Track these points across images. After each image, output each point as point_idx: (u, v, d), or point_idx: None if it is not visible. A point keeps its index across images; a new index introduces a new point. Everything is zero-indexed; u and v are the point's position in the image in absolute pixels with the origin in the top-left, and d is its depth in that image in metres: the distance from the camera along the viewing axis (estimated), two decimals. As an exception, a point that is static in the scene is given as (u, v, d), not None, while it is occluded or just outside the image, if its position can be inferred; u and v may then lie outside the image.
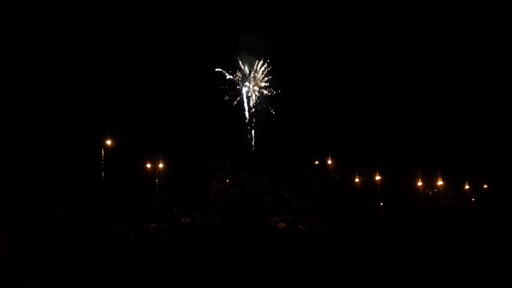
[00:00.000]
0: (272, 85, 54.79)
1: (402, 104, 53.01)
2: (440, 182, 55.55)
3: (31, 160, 37.66)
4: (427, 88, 53.72)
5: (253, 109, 54.42)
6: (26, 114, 39.87)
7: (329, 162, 49.36)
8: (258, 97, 54.73)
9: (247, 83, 54.87)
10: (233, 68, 55.28)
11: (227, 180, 43.60)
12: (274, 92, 54.21)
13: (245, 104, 54.60)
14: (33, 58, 40.95)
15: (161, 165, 46.77)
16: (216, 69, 53.82)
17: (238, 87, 54.59)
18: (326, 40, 52.00)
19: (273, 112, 53.69)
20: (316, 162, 49.20)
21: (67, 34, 43.43)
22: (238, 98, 54.76)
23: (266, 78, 55.37)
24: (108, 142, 44.40)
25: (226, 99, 54.27)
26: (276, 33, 51.55)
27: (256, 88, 54.52)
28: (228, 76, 54.83)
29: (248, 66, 55.69)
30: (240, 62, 55.03)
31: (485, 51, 52.56)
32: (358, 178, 52.86)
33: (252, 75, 55.21)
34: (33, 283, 26.27)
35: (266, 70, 55.79)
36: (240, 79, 54.91)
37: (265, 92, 54.33)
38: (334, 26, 51.87)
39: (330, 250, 32.62)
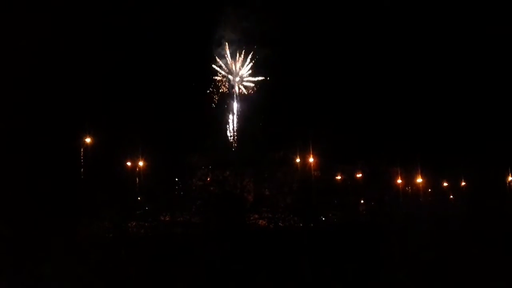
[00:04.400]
0: (254, 81, 54.77)
1: (382, 102, 53.42)
2: (419, 180, 56.14)
3: (9, 157, 37.20)
4: (407, 87, 54.15)
5: (235, 105, 54.27)
6: (5, 111, 39.37)
7: (310, 159, 49.54)
8: (240, 93, 54.60)
9: (229, 78, 54.63)
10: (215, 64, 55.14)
11: (208, 178, 43.59)
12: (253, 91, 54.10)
13: (227, 100, 54.50)
14: (13, 55, 40.44)
15: (141, 163, 46.49)
16: (213, 65, 53.55)
17: (220, 83, 54.40)
18: (308, 37, 52.08)
19: (254, 95, 53.26)
20: (297, 160, 49.38)
21: (47, 30, 42.95)
22: (220, 93, 54.63)
23: (249, 72, 55.07)
24: (88, 140, 43.99)
25: (207, 95, 54.03)
26: (260, 29, 51.64)
27: (238, 82, 54.25)
28: (215, 76, 54.55)
29: (230, 61, 55.44)
30: (221, 59, 54.90)
31: (469, 51, 53.12)
32: (339, 176, 53.19)
33: (234, 69, 54.92)
34: (12, 283, 25.99)
35: (249, 64, 55.49)
36: (223, 75, 54.71)
37: (245, 87, 54.20)
38: (317, 23, 52.01)
39: (309, 247, 32.77)
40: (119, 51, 46.98)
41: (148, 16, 48.46)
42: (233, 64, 55.13)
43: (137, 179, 45.96)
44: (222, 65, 55.33)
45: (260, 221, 39.89)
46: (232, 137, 52.43)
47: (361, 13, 52.68)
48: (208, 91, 54.10)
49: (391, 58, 53.48)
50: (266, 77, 55.28)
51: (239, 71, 55.30)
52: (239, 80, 54.98)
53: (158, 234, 36.84)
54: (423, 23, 53.26)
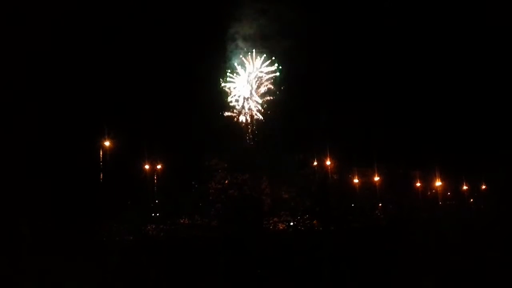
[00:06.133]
0: (271, 83, 54.32)
1: (401, 104, 53.00)
2: (438, 183, 55.54)
3: (30, 160, 37.56)
4: (426, 89, 53.71)
5: (253, 108, 53.90)
6: (25, 114, 39.77)
7: (328, 162, 49.31)
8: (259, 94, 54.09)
9: (247, 80, 54.10)
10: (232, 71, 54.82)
11: (226, 181, 43.53)
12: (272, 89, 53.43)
13: (245, 104, 54.19)
14: (32, 58, 40.85)
15: (159, 166, 46.62)
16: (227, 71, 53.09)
17: (236, 87, 54.12)
18: (325, 39, 51.82)
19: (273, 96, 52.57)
20: (315, 163, 49.13)
21: (66, 33, 43.34)
22: (238, 98, 54.38)
23: (266, 70, 54.38)
24: (107, 143, 44.20)
25: (228, 102, 53.69)
26: (276, 30, 51.52)
27: (255, 81, 53.54)
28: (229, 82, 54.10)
29: (247, 63, 54.99)
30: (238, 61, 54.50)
31: (483, 51, 52.55)
32: (357, 179, 52.88)
33: (251, 68, 54.26)
34: (32, 284, 26.14)
35: (264, 61, 54.89)
36: (239, 76, 54.27)
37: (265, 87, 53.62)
38: (333, 25, 51.73)
39: (330, 251, 32.49)
40: (139, 56, 47.20)
41: (170, 21, 48.72)
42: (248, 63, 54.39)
43: (155, 182, 46.12)
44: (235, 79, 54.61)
45: (279, 224, 39.75)
46: (250, 140, 52.20)
47: (381, 15, 52.39)
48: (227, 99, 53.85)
49: (407, 59, 53.12)
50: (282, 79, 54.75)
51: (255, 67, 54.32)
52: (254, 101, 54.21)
53: (178, 238, 36.83)
54: (440, 24, 52.91)
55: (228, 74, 53.35)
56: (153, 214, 42.15)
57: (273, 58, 53.60)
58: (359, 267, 30.31)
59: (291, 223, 39.26)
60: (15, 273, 26.00)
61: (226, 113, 52.30)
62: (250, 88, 52.81)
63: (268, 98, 53.02)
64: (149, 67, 48.17)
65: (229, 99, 53.12)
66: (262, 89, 53.02)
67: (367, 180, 52.94)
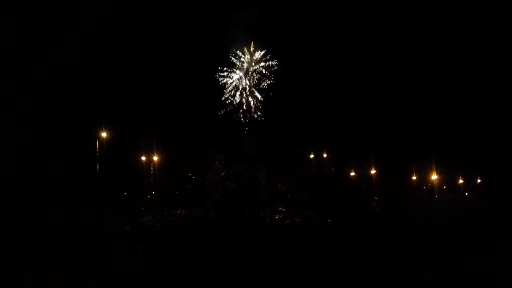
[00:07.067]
0: (268, 76, 54.22)
1: (397, 99, 53.12)
2: (434, 176, 55.76)
3: (26, 153, 37.50)
4: (422, 84, 53.84)
5: (250, 101, 53.78)
6: (22, 107, 39.70)
7: (325, 155, 49.39)
8: (255, 87, 53.91)
9: (244, 72, 53.97)
10: (229, 63, 54.67)
11: (223, 173, 43.49)
12: (270, 82, 53.31)
13: (242, 96, 54.09)
14: (29, 54, 40.77)
15: (156, 158, 46.54)
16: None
17: (234, 80, 53.95)
18: (322, 35, 51.87)
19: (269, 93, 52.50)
20: (311, 156, 49.18)
21: (65, 31, 43.29)
22: (234, 91, 54.26)
23: (262, 64, 54.24)
24: (104, 134, 44.06)
25: (225, 96, 53.53)
26: (274, 26, 51.42)
27: (253, 71, 53.28)
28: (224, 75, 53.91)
29: (244, 55, 54.82)
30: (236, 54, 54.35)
31: (476, 47, 52.76)
32: (354, 172, 53.04)
33: (249, 60, 54.09)
34: (31, 273, 26.09)
35: (264, 56, 54.76)
36: (237, 67, 54.05)
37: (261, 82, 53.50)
38: (330, 20, 51.78)
39: (326, 243, 32.60)
40: (136, 48, 47.13)
41: (169, 17, 48.67)
42: (245, 56, 54.33)
43: (152, 173, 46.06)
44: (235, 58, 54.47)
45: (276, 216, 39.83)
46: (248, 132, 52.11)
47: (370, 14, 52.62)
48: (224, 92, 53.73)
49: (403, 54, 53.26)
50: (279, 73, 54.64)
51: (252, 59, 54.24)
52: (249, 90, 54.07)
53: (174, 229, 36.87)
54: (438, 22, 53.09)
55: (225, 68, 53.31)
56: (150, 205, 42.12)
57: (270, 53, 53.56)
58: (355, 258, 30.42)
59: (288, 215, 39.38)
60: (15, 263, 25.98)
61: (224, 105, 52.16)
62: (248, 82, 52.68)
63: (266, 89, 52.92)
64: (147, 59, 48.18)
65: (227, 91, 53.05)
66: (261, 82, 52.89)
67: (364, 173, 53.08)
